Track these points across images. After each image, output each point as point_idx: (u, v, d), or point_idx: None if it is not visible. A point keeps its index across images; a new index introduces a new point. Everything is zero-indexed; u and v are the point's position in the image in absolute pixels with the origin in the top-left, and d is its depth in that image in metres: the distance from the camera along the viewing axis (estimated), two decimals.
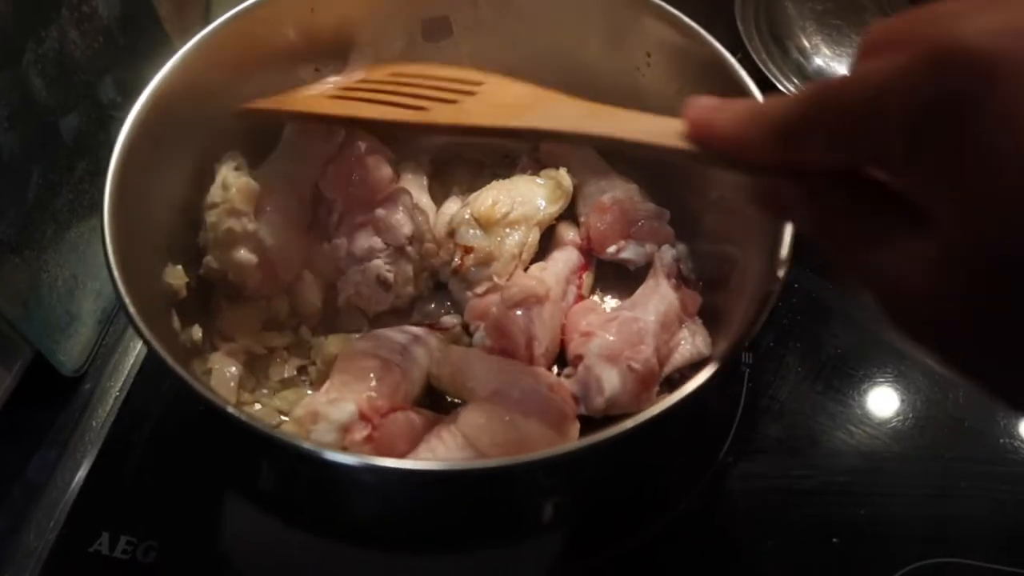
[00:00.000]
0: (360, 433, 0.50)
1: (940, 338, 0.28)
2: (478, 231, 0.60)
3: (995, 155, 0.23)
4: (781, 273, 0.47)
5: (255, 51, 0.58)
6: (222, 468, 0.57)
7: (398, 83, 0.50)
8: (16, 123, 0.50)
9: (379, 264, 0.57)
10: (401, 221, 0.58)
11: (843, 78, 0.28)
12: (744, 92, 0.53)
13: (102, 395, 0.60)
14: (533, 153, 0.67)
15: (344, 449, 0.48)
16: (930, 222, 0.26)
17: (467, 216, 0.60)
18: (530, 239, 0.61)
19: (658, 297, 0.57)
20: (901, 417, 0.61)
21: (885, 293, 0.29)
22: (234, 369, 0.53)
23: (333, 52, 0.62)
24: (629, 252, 0.62)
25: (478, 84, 0.48)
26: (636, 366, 0.52)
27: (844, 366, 0.63)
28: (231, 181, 0.53)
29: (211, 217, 0.53)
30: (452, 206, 0.64)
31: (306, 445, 0.41)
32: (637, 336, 0.54)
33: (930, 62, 0.24)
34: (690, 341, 0.56)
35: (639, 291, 0.59)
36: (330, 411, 0.50)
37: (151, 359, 0.61)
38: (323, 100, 0.52)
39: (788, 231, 0.47)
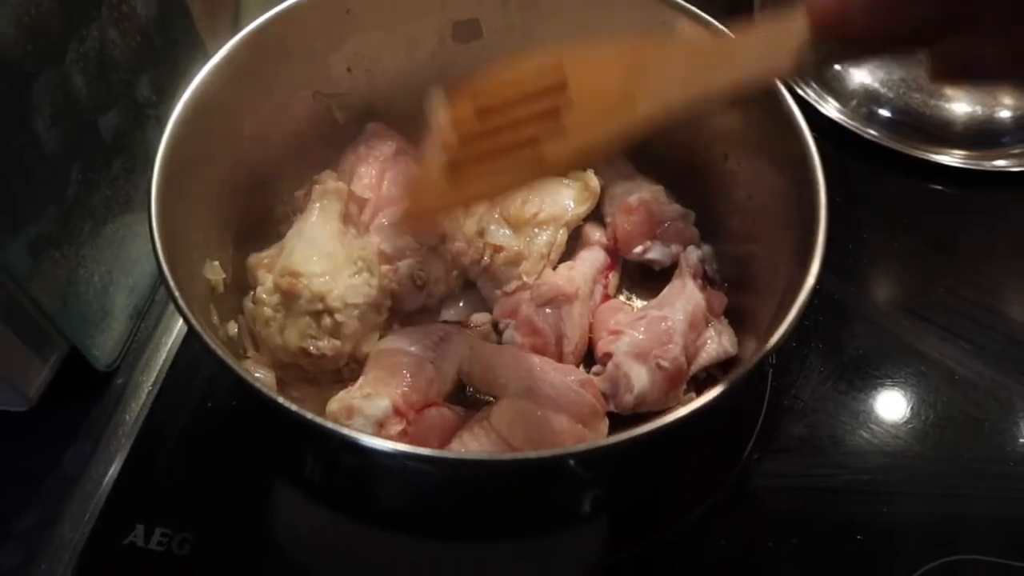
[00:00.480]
0: (395, 428, 0.51)
1: None
2: (507, 231, 0.61)
3: None
4: (811, 279, 0.48)
5: (289, 51, 0.59)
6: (254, 460, 0.58)
7: (496, 121, 0.43)
8: (58, 121, 0.50)
9: (411, 263, 0.58)
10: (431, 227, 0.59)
11: None
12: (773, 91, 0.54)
13: (135, 389, 0.61)
14: None
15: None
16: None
17: (497, 216, 0.61)
18: (558, 239, 0.62)
19: (685, 297, 0.58)
20: (922, 417, 0.62)
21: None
22: (267, 373, 0.54)
23: (365, 53, 0.63)
24: (655, 253, 0.63)
25: (560, 77, 0.41)
26: (665, 364, 0.53)
27: (865, 366, 0.64)
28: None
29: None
30: (480, 207, 0.64)
31: (353, 434, 0.42)
32: (666, 335, 0.55)
33: None
34: (716, 340, 0.57)
35: (666, 291, 0.60)
36: (365, 406, 0.51)
37: (186, 352, 0.63)
38: (449, 190, 0.45)
39: (821, 235, 0.48)
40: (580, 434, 0.50)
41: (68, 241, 0.53)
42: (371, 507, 0.57)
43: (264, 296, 0.54)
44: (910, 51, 0.34)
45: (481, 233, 0.62)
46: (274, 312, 0.54)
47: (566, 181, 0.65)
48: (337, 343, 0.54)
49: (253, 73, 0.57)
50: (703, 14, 0.58)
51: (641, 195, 0.64)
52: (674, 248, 0.63)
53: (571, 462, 0.46)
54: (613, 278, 0.64)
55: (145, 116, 0.60)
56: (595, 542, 0.56)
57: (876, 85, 0.80)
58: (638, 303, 0.64)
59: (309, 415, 0.41)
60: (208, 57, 0.61)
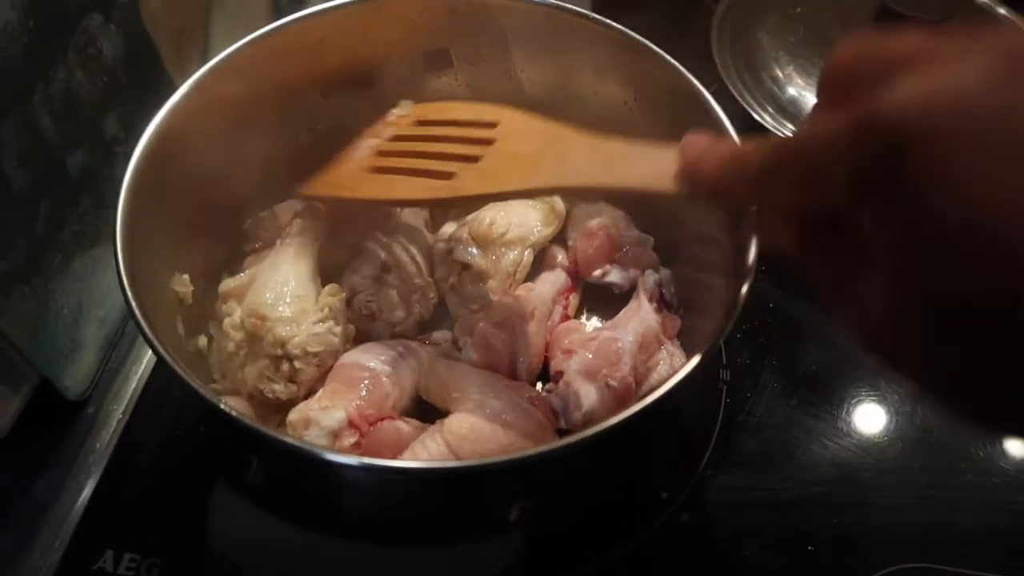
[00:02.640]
0: (348, 439, 0.53)
1: (904, 366, 0.31)
2: (475, 249, 0.63)
3: (918, 209, 0.27)
4: (746, 282, 0.50)
5: (260, 80, 0.62)
6: (223, 486, 0.59)
7: (425, 139, 0.55)
8: (26, 160, 0.52)
9: (360, 297, 0.60)
10: (374, 250, 0.61)
11: (799, 136, 0.33)
12: (719, 127, 0.56)
13: (105, 418, 0.63)
14: None
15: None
16: (884, 260, 0.30)
17: (465, 235, 0.63)
18: (525, 259, 0.65)
19: (638, 319, 0.60)
20: (872, 430, 0.64)
21: (855, 323, 0.32)
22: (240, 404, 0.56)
23: (338, 81, 0.66)
24: (614, 276, 0.65)
25: (494, 125, 0.52)
26: (613, 383, 0.55)
27: (818, 382, 0.66)
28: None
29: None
30: (449, 227, 0.67)
31: (304, 445, 0.44)
32: (615, 355, 0.56)
33: (858, 132, 0.28)
34: (668, 362, 0.59)
35: (621, 313, 0.62)
36: (321, 417, 0.53)
37: (156, 380, 0.64)
38: (366, 178, 0.56)
39: (753, 246, 0.50)
40: (526, 448, 0.52)
41: (37, 275, 0.55)
42: (339, 521, 0.58)
43: (230, 331, 0.56)
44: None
45: (449, 252, 0.63)
46: (237, 348, 0.55)
47: (533, 203, 0.67)
48: (293, 388, 0.56)
49: (224, 100, 0.59)
50: (655, 47, 0.60)
51: (602, 220, 0.66)
52: (632, 272, 0.65)
53: (507, 470, 0.47)
54: (573, 299, 0.66)
55: (113, 153, 0.62)
56: (548, 556, 0.57)
57: None
58: (599, 324, 0.66)
59: (253, 424, 0.43)
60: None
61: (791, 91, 0.84)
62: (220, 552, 0.57)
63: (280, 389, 0.55)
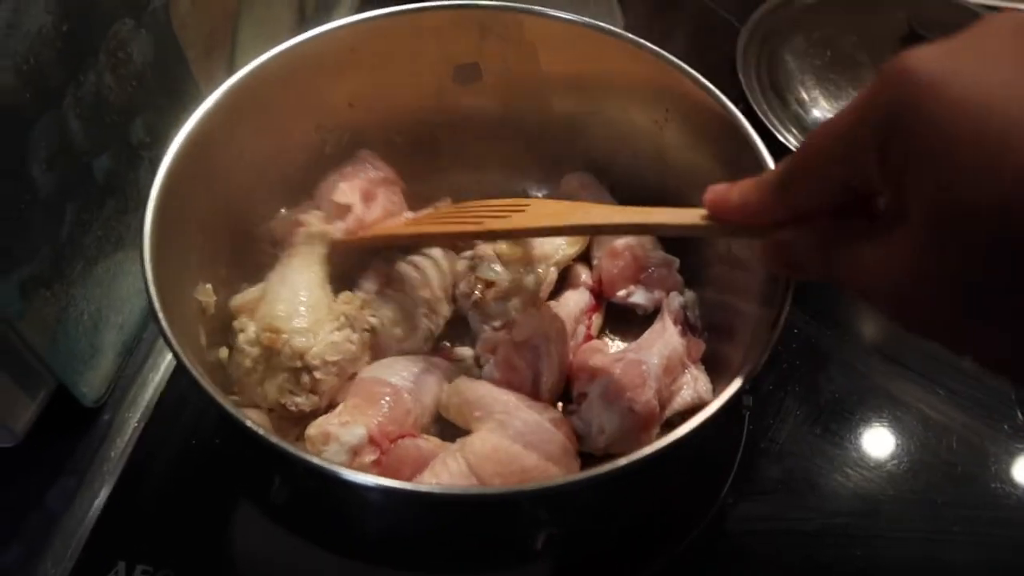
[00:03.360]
0: (368, 456, 0.52)
1: (934, 326, 0.32)
2: (499, 266, 0.62)
3: (940, 147, 0.28)
4: (780, 319, 0.49)
5: (290, 86, 0.61)
6: (238, 498, 0.59)
7: (460, 210, 0.60)
8: (54, 163, 0.52)
9: (363, 313, 0.60)
10: (377, 264, 0.62)
11: (821, 126, 0.34)
12: (750, 147, 0.56)
13: (121, 426, 0.62)
14: (553, 196, 0.71)
15: (352, 469, 0.50)
16: (909, 224, 0.31)
17: (489, 252, 0.63)
18: (548, 277, 0.64)
19: (663, 342, 0.59)
20: (896, 461, 0.63)
21: (882, 295, 0.33)
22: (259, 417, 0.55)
23: (366, 93, 0.66)
24: (638, 297, 0.64)
25: (526, 205, 0.55)
26: (637, 407, 0.54)
27: (841, 410, 0.65)
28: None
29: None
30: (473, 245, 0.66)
31: (322, 463, 0.43)
32: (640, 378, 0.56)
33: (882, 83, 0.30)
34: (692, 386, 0.58)
35: (645, 335, 0.61)
36: (341, 433, 0.52)
37: (173, 389, 0.63)
38: (401, 227, 0.62)
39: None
40: (550, 472, 0.51)
41: (59, 280, 0.55)
42: (356, 541, 0.57)
43: (245, 347, 0.55)
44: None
45: (473, 268, 0.63)
46: (254, 364, 0.54)
47: None
48: (315, 399, 0.55)
49: (253, 108, 0.59)
50: (687, 67, 0.60)
51: (628, 240, 0.66)
52: (657, 293, 0.65)
53: (533, 498, 0.46)
54: (596, 319, 0.66)
55: (139, 158, 0.61)
56: None
57: None
58: (621, 345, 0.66)
59: (275, 440, 0.42)
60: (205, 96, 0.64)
61: (816, 114, 0.84)
62: (234, 566, 0.56)
63: (302, 401, 0.55)
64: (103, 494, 0.59)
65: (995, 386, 0.67)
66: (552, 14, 0.63)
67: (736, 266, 0.59)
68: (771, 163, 0.55)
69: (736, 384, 0.46)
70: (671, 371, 0.58)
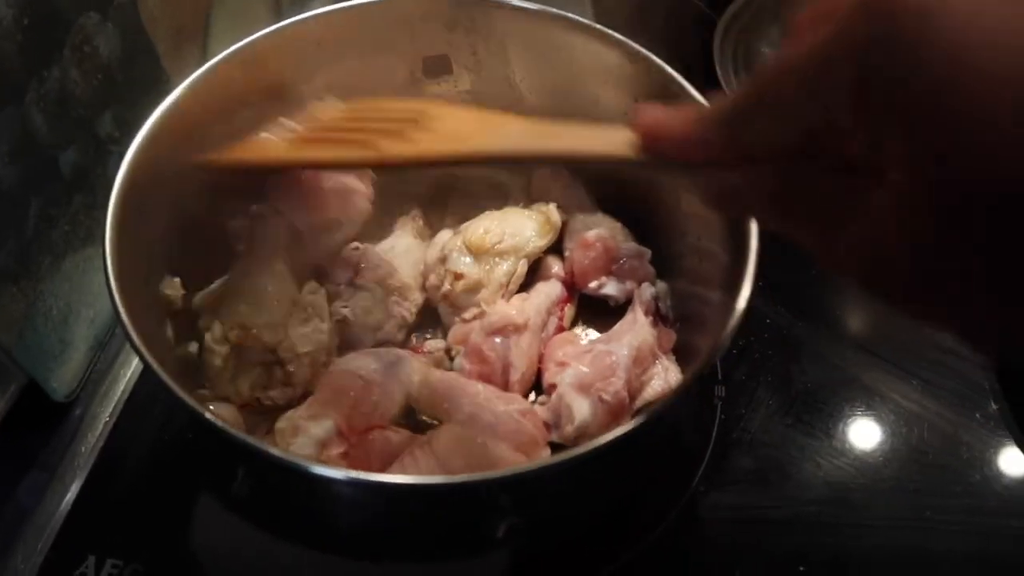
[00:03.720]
0: (336, 449, 0.52)
1: (914, 293, 0.27)
2: (468, 258, 0.62)
3: (934, 89, 0.23)
4: (742, 303, 0.48)
5: (258, 80, 0.61)
6: (208, 492, 0.59)
7: (348, 121, 0.51)
8: (17, 158, 0.52)
9: (338, 305, 0.60)
10: (348, 254, 0.62)
11: (783, 52, 0.28)
12: None
13: (92, 421, 0.62)
14: (525, 188, 0.70)
15: (320, 461, 0.51)
16: (884, 176, 0.26)
17: (459, 244, 0.63)
18: (518, 269, 0.64)
19: (633, 332, 0.59)
20: (868, 450, 0.63)
21: (858, 263, 0.28)
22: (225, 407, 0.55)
23: (336, 85, 0.64)
24: (610, 288, 0.64)
25: (424, 113, 0.47)
26: (607, 397, 0.54)
27: (813, 400, 0.65)
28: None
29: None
30: (444, 235, 0.66)
31: (289, 457, 0.44)
32: (609, 369, 0.56)
33: (863, 10, 0.25)
34: (662, 377, 0.58)
35: (617, 326, 0.61)
36: (310, 426, 0.53)
37: (144, 383, 0.63)
38: (279, 146, 0.53)
39: (752, 259, 0.49)
40: (518, 462, 0.51)
41: (26, 276, 0.55)
42: (322, 533, 0.57)
43: (214, 346, 0.55)
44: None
45: (443, 260, 0.63)
46: (224, 362, 0.54)
47: (528, 213, 0.67)
48: (289, 391, 0.55)
49: (221, 99, 0.59)
50: (653, 57, 0.60)
51: (599, 231, 0.66)
52: (629, 285, 0.64)
53: (497, 486, 0.46)
54: (569, 311, 0.66)
55: (107, 152, 0.61)
56: (538, 573, 0.56)
57: None
58: (594, 336, 0.66)
59: (232, 431, 0.43)
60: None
61: None
62: (203, 561, 0.56)
63: (276, 394, 0.55)
64: (74, 488, 0.59)
65: (968, 375, 0.67)
66: (520, 5, 0.63)
67: (706, 258, 0.59)
68: None
69: (698, 364, 0.46)
70: (641, 362, 0.58)
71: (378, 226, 0.67)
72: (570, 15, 0.62)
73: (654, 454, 0.62)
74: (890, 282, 0.27)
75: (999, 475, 0.62)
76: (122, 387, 0.63)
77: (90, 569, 0.55)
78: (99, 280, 0.61)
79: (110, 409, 0.62)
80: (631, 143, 0.36)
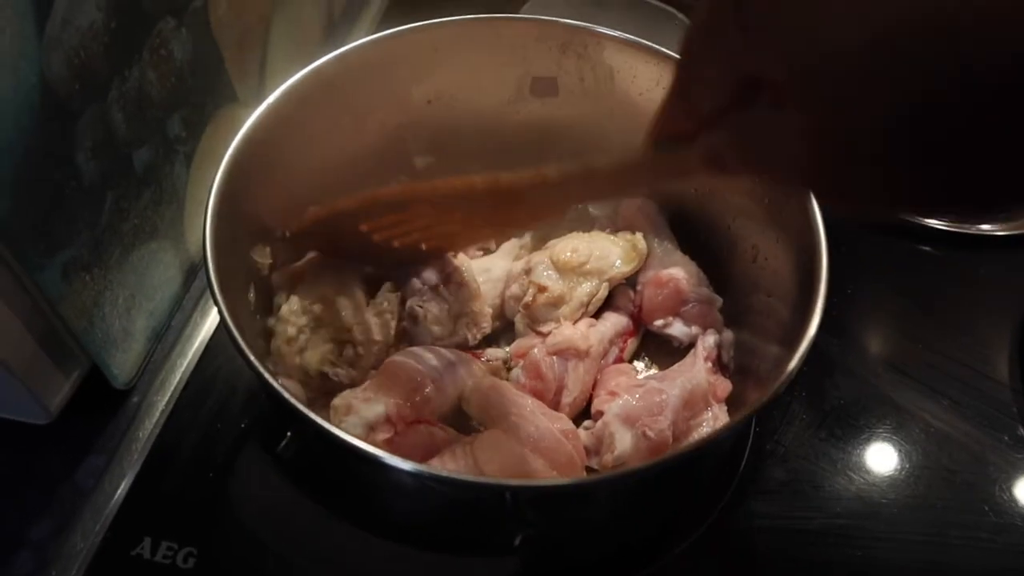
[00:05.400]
0: (382, 434, 0.55)
1: (860, 195, 0.32)
2: (553, 273, 0.64)
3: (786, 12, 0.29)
4: (793, 364, 0.50)
5: (373, 76, 0.64)
6: (260, 479, 0.61)
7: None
8: (98, 153, 0.54)
9: (415, 301, 0.62)
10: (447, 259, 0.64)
11: (690, 25, 0.35)
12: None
13: (149, 408, 0.64)
14: (612, 217, 0.72)
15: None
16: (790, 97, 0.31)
17: (546, 259, 0.65)
18: (600, 292, 0.65)
19: (688, 376, 0.60)
20: (897, 466, 0.65)
21: (796, 174, 0.34)
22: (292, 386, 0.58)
23: (447, 90, 0.68)
24: (675, 329, 0.65)
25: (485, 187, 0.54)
26: (651, 434, 0.56)
27: (846, 416, 0.67)
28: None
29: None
30: (523, 253, 0.69)
31: (333, 430, 0.45)
32: (658, 406, 0.57)
33: None
34: (711, 424, 0.59)
35: (675, 366, 0.63)
36: (362, 408, 0.55)
37: (199, 374, 0.66)
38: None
39: (811, 333, 0.51)
40: (551, 478, 0.53)
41: (98, 265, 0.57)
42: (382, 520, 0.60)
43: (289, 316, 0.58)
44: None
45: (528, 271, 0.65)
46: (298, 332, 0.58)
47: (615, 239, 0.68)
48: (354, 373, 0.58)
49: (337, 89, 0.63)
50: None
51: (675, 271, 0.66)
52: (694, 329, 0.65)
53: (507, 495, 0.48)
54: (632, 343, 0.67)
55: (175, 152, 0.64)
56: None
57: None
58: (652, 372, 0.67)
59: (290, 398, 0.45)
60: (238, 99, 0.66)
61: None
62: (253, 544, 0.58)
63: (343, 373, 0.58)
64: (131, 473, 0.61)
65: (996, 397, 0.69)
66: (631, 39, 0.64)
67: (773, 315, 0.60)
68: (815, 205, 0.56)
69: (745, 411, 0.48)
70: (692, 406, 0.59)
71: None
72: (673, 53, 0.62)
73: (689, 470, 0.63)
74: (839, 187, 0.32)
75: None
76: (178, 377, 0.66)
77: (146, 550, 0.57)
78: (160, 274, 0.64)
79: (167, 398, 0.65)
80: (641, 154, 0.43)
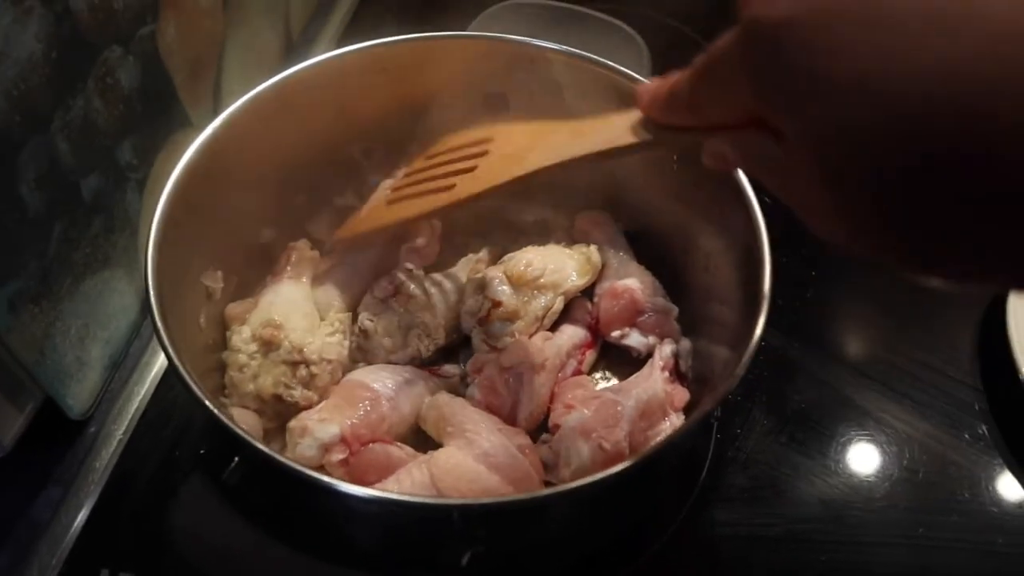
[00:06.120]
0: (337, 456, 0.55)
1: (843, 233, 0.32)
2: (508, 288, 0.64)
3: (793, 81, 0.29)
4: (741, 366, 0.51)
5: (325, 95, 0.65)
6: (220, 508, 0.60)
7: (431, 167, 0.58)
8: (42, 184, 0.54)
9: (365, 315, 0.63)
10: (395, 275, 0.64)
11: (706, 53, 0.35)
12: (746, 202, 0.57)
13: (106, 438, 0.64)
14: (568, 229, 0.72)
15: (321, 467, 0.54)
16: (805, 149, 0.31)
17: (500, 273, 0.64)
18: (555, 305, 0.65)
19: (645, 386, 0.60)
20: (860, 469, 0.65)
21: (799, 207, 0.34)
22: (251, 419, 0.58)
23: (394, 112, 0.68)
24: (632, 340, 0.65)
25: (489, 140, 0.54)
26: (606, 445, 0.55)
27: (807, 420, 0.67)
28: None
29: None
30: (480, 266, 0.69)
31: (284, 460, 0.45)
32: (613, 417, 0.57)
33: (742, 27, 0.31)
34: (668, 434, 0.58)
35: (632, 377, 0.62)
36: (316, 428, 0.55)
37: (157, 402, 0.65)
38: (383, 210, 0.60)
39: (757, 334, 0.51)
40: (507, 494, 0.53)
41: (47, 296, 0.57)
42: (340, 547, 0.59)
43: (240, 344, 0.58)
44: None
45: (482, 287, 0.64)
46: (249, 359, 0.58)
47: (570, 252, 0.68)
48: (310, 394, 0.58)
49: (287, 108, 0.63)
50: None
51: (630, 282, 0.66)
52: (651, 339, 0.65)
53: (455, 514, 0.48)
54: (590, 356, 0.66)
55: (126, 179, 0.63)
56: None
57: None
58: (612, 383, 0.67)
59: (230, 423, 0.45)
60: (191, 124, 0.66)
61: None
62: (211, 574, 0.58)
63: (298, 394, 0.58)
64: (88, 504, 0.60)
65: (958, 397, 0.69)
66: (579, 54, 0.64)
67: (724, 323, 0.60)
68: (761, 220, 0.56)
69: (695, 416, 0.48)
70: (648, 416, 0.58)
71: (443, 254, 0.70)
72: (625, 70, 0.63)
73: (649, 479, 0.63)
74: (818, 225, 0.33)
75: (988, 494, 0.64)
76: (135, 406, 0.65)
77: None
78: (115, 302, 0.64)
79: (124, 427, 0.64)
80: (640, 125, 0.43)
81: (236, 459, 0.58)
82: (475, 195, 0.53)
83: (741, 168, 0.39)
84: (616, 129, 0.44)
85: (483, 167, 0.53)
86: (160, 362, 0.68)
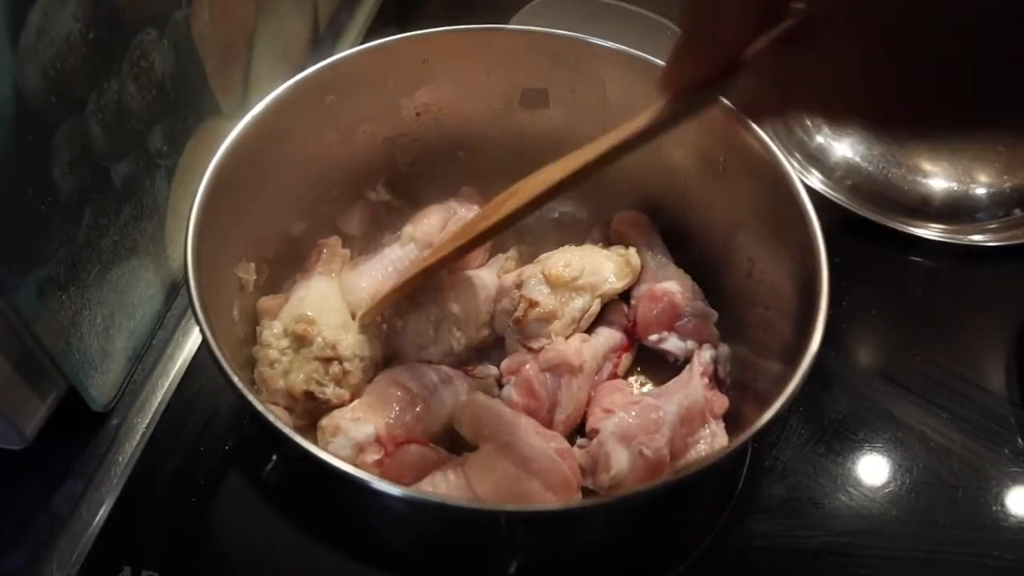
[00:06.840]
0: (372, 455, 0.53)
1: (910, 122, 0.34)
2: (545, 288, 0.62)
3: None
4: (796, 381, 0.49)
5: (362, 87, 0.64)
6: (243, 504, 0.59)
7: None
8: (75, 168, 0.52)
9: (394, 311, 0.61)
10: None
11: None
12: (796, 201, 0.56)
13: (129, 431, 0.62)
14: (604, 230, 0.71)
15: (355, 465, 0.52)
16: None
17: (538, 273, 0.63)
18: (592, 307, 0.64)
19: (685, 392, 0.58)
20: (898, 482, 0.64)
21: (837, 101, 0.34)
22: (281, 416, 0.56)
23: (436, 102, 0.67)
24: (670, 344, 0.64)
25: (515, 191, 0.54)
26: (647, 452, 0.54)
27: (844, 431, 0.66)
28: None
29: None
30: (510, 265, 0.68)
31: (319, 453, 0.44)
32: (654, 424, 0.55)
33: None
34: (708, 441, 0.57)
35: (671, 382, 0.61)
36: (350, 428, 0.54)
37: (181, 395, 0.64)
38: (414, 270, 0.59)
39: (813, 350, 0.49)
40: (546, 500, 0.51)
41: (75, 284, 0.55)
42: (371, 547, 0.58)
43: (271, 340, 0.57)
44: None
45: (519, 286, 0.63)
46: (280, 355, 0.56)
47: (608, 254, 0.67)
48: (342, 392, 0.56)
49: (324, 99, 0.62)
50: (756, 127, 0.59)
51: (669, 285, 0.65)
52: (690, 344, 0.63)
53: (503, 519, 0.47)
54: (626, 359, 0.65)
55: (155, 165, 0.62)
56: None
57: (857, 159, 0.83)
58: (648, 388, 0.65)
59: (270, 416, 0.44)
60: (221, 112, 0.65)
61: (819, 139, 0.85)
62: (239, 572, 0.56)
63: (331, 391, 0.56)
64: (110, 498, 0.59)
65: (994, 410, 0.68)
66: (624, 50, 0.63)
67: (771, 329, 0.58)
68: (815, 219, 0.55)
69: (746, 434, 0.47)
70: (689, 422, 0.57)
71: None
72: None
73: (687, 488, 0.61)
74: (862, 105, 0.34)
75: None
76: (159, 398, 0.64)
77: None
78: (140, 292, 0.62)
79: (147, 420, 0.63)
80: (659, 107, 0.44)
81: (275, 457, 0.57)
82: (498, 223, 0.53)
83: (778, 98, 0.38)
84: (634, 122, 0.46)
85: (508, 202, 0.53)
86: (184, 355, 0.66)
